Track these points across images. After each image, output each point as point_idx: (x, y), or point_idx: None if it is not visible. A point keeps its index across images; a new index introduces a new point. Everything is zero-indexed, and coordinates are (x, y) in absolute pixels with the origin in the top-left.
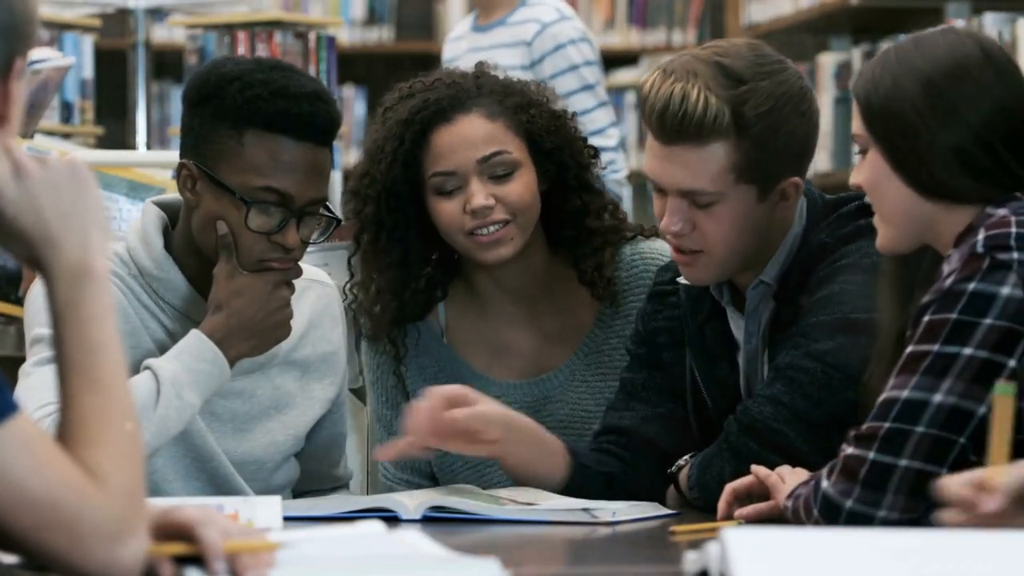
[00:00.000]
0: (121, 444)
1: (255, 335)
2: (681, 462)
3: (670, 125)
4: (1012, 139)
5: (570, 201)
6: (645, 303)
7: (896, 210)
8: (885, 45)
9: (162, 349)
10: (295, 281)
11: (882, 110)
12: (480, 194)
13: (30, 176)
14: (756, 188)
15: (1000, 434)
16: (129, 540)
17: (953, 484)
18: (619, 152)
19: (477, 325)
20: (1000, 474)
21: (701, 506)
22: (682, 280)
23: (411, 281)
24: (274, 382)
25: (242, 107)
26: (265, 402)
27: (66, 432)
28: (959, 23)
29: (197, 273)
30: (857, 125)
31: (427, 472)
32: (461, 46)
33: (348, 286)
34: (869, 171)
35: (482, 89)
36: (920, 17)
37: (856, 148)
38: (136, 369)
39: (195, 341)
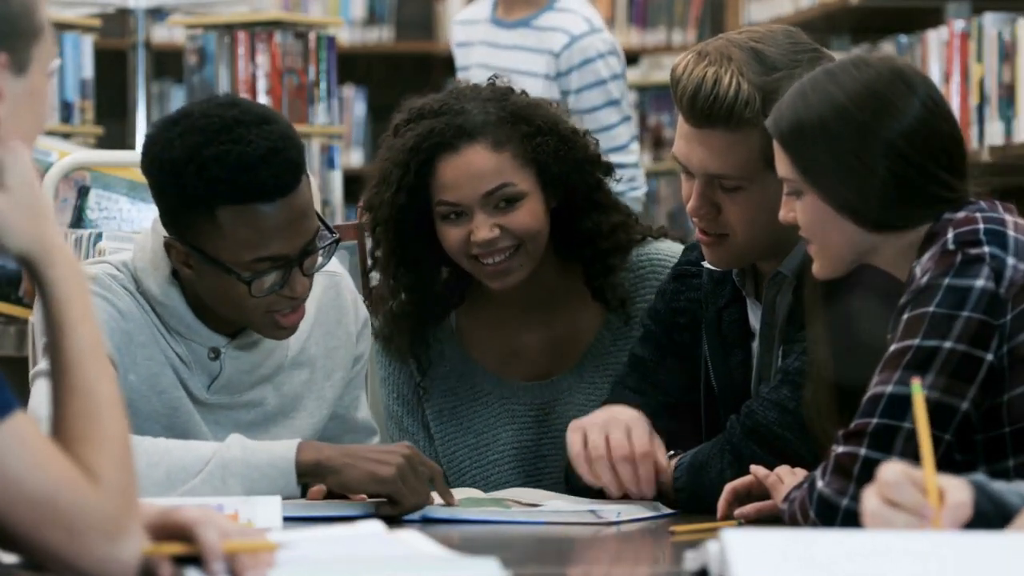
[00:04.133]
0: (113, 442)
1: (344, 466)
2: None
3: (701, 108)
4: (942, 156)
5: (581, 223)
6: (668, 282)
7: (840, 245)
8: (885, 45)
9: (174, 367)
10: None
11: (813, 155)
12: (484, 227)
13: None
14: None
15: (925, 432)
16: (126, 538)
17: (909, 488)
18: (639, 169)
19: (489, 328)
20: (957, 493)
21: (689, 507)
22: (707, 264)
23: (427, 299)
24: (281, 389)
25: (205, 192)
26: (272, 409)
27: (58, 431)
28: (959, 23)
29: (202, 302)
30: (785, 169)
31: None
32: (476, 33)
33: (364, 295)
34: (808, 215)
35: (489, 116)
36: (920, 17)
37: (786, 189)
38: (153, 387)
39: (283, 447)
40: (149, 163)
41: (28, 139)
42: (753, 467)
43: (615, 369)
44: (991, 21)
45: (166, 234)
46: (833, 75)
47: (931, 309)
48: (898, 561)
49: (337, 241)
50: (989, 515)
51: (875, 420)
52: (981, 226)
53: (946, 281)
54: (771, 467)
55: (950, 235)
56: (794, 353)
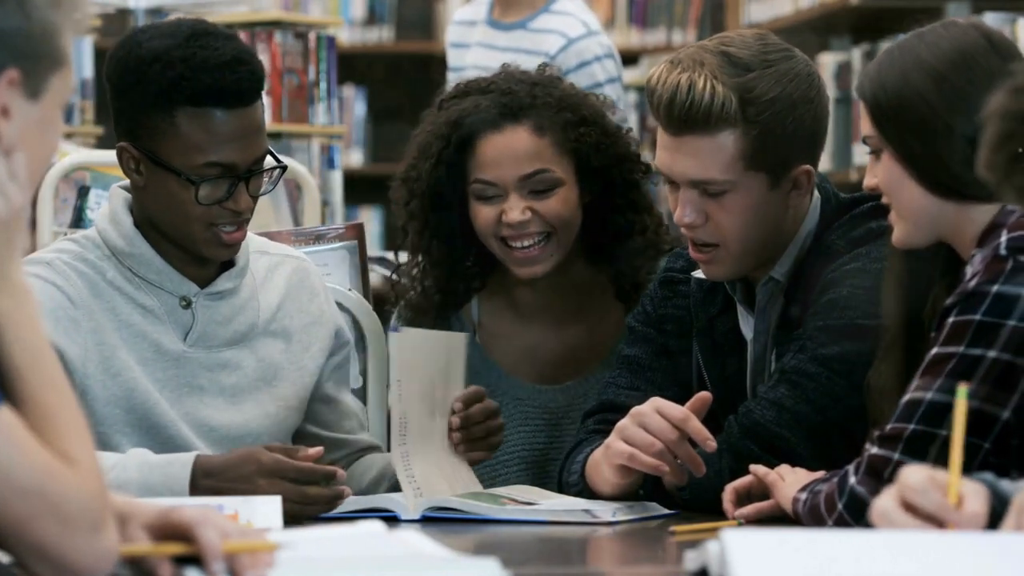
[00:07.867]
0: (83, 431)
1: (226, 488)
2: None
3: (678, 115)
4: None
5: (615, 220)
6: (655, 288)
7: (912, 209)
8: (885, 45)
9: (134, 328)
10: (268, 256)
11: (892, 109)
12: (516, 209)
13: None
14: (767, 176)
15: (960, 435)
16: (106, 527)
17: (932, 493)
18: None
19: (509, 326)
20: (975, 502)
21: (692, 506)
22: (697, 274)
23: (454, 277)
24: (259, 354)
25: (167, 89)
26: (252, 374)
27: (35, 429)
28: None
29: (166, 247)
30: (867, 126)
31: None
32: (473, 35)
33: (393, 275)
34: (884, 173)
35: (536, 100)
36: (920, 17)
37: (868, 149)
38: (107, 370)
39: (179, 469)
40: (113, 61)
41: (30, 170)
42: (752, 466)
43: None
44: (991, 21)
45: (122, 141)
46: (922, 36)
47: (977, 317)
48: (898, 561)
49: (284, 168)
50: (997, 513)
51: (912, 426)
52: None
53: (994, 288)
54: (770, 466)
55: (1003, 239)
56: (790, 352)
